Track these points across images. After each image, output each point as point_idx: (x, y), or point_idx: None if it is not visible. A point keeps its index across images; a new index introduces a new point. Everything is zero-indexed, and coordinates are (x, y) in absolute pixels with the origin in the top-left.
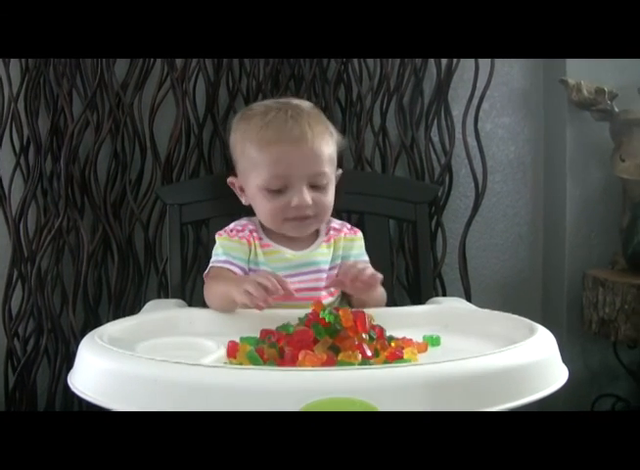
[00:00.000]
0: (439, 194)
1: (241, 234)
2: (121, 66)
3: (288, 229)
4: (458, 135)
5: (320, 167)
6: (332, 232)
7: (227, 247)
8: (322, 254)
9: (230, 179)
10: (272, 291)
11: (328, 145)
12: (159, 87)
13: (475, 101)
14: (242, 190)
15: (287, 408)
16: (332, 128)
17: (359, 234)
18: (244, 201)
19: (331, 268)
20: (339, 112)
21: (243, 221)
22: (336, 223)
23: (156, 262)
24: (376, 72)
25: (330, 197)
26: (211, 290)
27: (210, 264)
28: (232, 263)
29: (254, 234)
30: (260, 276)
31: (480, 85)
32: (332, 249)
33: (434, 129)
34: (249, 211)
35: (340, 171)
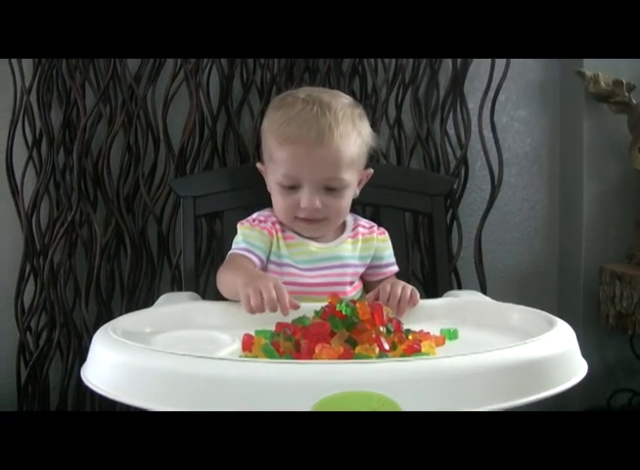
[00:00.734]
0: (455, 187)
1: (263, 224)
2: (134, 58)
3: (298, 228)
4: (474, 128)
5: (335, 173)
6: (360, 229)
7: (248, 235)
8: (347, 249)
9: (259, 165)
10: (268, 304)
11: (350, 147)
12: (172, 80)
13: (491, 93)
14: (267, 176)
15: (304, 402)
16: (362, 127)
17: (387, 234)
18: (268, 187)
19: (357, 265)
20: None
21: (266, 212)
22: (364, 222)
23: (169, 256)
24: (391, 65)
25: (345, 201)
26: (223, 275)
27: (230, 252)
28: (251, 252)
29: (277, 226)
30: (266, 284)
31: (497, 77)
32: (358, 245)
33: (450, 122)
34: (262, 204)
35: (369, 171)
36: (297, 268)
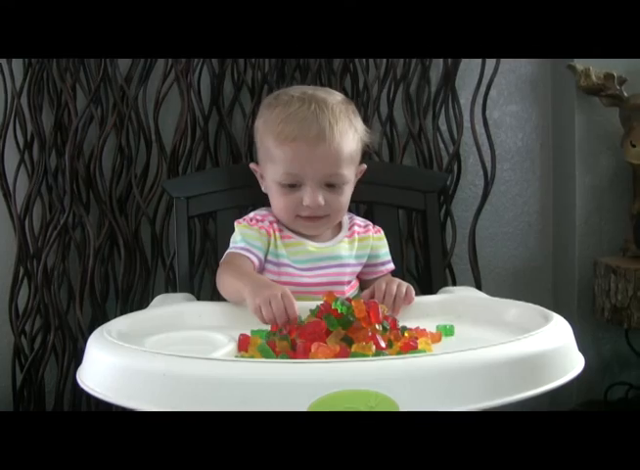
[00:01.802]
0: (448, 183)
1: (260, 224)
2: (125, 59)
3: (299, 226)
4: (466, 123)
5: (336, 168)
6: (356, 228)
7: (246, 235)
8: (344, 248)
9: (252, 165)
10: (279, 319)
11: (348, 143)
12: (163, 80)
13: (482, 88)
14: (262, 177)
15: (301, 401)
16: (357, 123)
17: (382, 232)
18: (263, 188)
19: (354, 265)
20: None
21: (263, 211)
22: (359, 220)
23: (163, 257)
24: (382, 62)
25: (345, 197)
26: (225, 276)
27: (228, 250)
28: (250, 252)
29: (275, 225)
30: (275, 295)
31: (488, 73)
32: (355, 245)
33: (442, 118)
34: (256, 204)
35: (363, 166)
36: (295, 268)
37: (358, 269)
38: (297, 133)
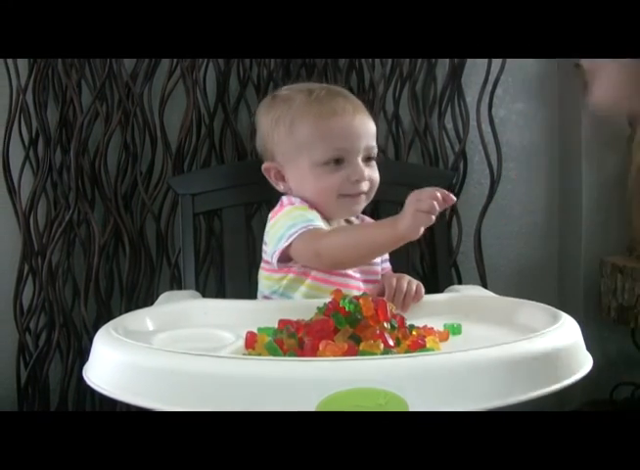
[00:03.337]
0: (454, 181)
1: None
2: (130, 58)
3: (342, 207)
4: (472, 122)
5: (373, 140)
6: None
7: (310, 214)
8: None
9: (265, 165)
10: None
11: (372, 121)
12: (168, 77)
13: (488, 87)
14: (278, 176)
15: (309, 400)
16: None
17: None
18: (281, 187)
19: (377, 267)
20: None
21: (292, 198)
22: (368, 219)
23: (168, 254)
24: (388, 60)
25: (377, 173)
26: (342, 240)
27: (301, 229)
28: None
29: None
30: (424, 194)
31: (494, 71)
32: None
33: (448, 116)
34: (261, 201)
35: None
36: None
37: (377, 269)
38: (335, 109)
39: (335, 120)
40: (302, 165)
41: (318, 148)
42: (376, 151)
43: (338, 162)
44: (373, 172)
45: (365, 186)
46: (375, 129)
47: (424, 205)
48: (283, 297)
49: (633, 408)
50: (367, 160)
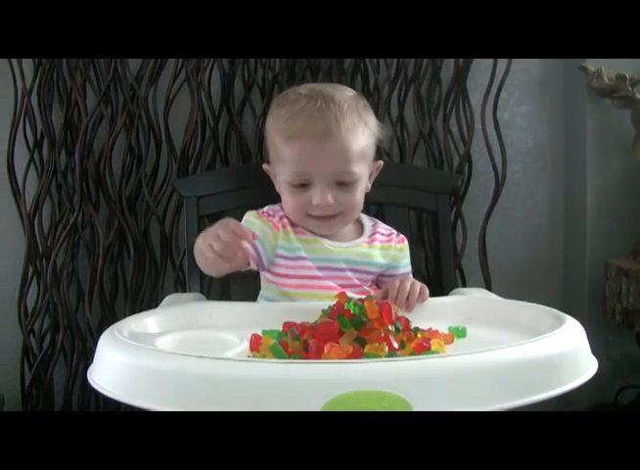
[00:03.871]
0: (458, 184)
1: (269, 218)
2: (135, 58)
3: (310, 225)
4: (477, 124)
5: (346, 166)
6: (378, 236)
7: (250, 222)
8: (361, 253)
9: (265, 166)
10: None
11: (358, 139)
12: (173, 79)
13: (493, 89)
14: (275, 177)
15: (313, 402)
16: (368, 118)
17: (406, 242)
18: (277, 188)
19: (367, 272)
20: None
21: (276, 207)
22: (383, 228)
23: (172, 257)
24: (393, 62)
25: (358, 195)
26: (197, 245)
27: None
28: None
29: (285, 220)
30: (219, 225)
31: (499, 73)
32: (374, 252)
33: (453, 119)
34: (266, 203)
35: (379, 163)
36: (312, 262)
37: (370, 277)
38: (303, 130)
39: (299, 143)
40: (279, 178)
41: (286, 167)
42: (352, 176)
43: (303, 185)
44: (345, 196)
45: (332, 210)
46: (359, 148)
47: (215, 241)
48: (262, 299)
49: (638, 412)
50: (340, 184)
